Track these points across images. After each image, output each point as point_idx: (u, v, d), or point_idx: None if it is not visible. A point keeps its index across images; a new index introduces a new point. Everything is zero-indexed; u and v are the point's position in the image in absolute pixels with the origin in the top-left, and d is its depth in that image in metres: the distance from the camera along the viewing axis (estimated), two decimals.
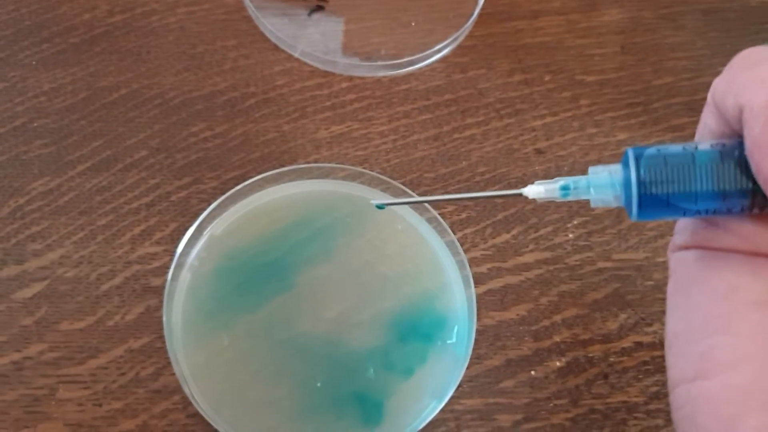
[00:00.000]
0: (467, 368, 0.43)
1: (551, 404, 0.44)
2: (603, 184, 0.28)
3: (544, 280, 0.48)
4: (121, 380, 0.43)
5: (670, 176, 0.25)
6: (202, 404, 0.41)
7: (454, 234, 0.47)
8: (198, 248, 0.46)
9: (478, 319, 0.45)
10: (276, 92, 0.53)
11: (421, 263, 0.47)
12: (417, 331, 0.44)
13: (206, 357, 0.43)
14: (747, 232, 0.26)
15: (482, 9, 0.56)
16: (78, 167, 0.49)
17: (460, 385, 0.42)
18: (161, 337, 0.43)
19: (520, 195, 0.29)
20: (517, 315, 0.47)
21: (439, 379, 0.43)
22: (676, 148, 0.26)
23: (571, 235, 0.49)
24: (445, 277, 0.46)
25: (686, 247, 0.28)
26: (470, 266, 0.46)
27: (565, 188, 0.28)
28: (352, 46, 0.56)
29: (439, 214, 0.47)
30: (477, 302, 0.44)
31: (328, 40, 0.56)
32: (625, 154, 0.26)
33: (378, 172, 0.49)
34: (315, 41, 0.56)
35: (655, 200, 0.26)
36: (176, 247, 0.45)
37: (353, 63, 0.54)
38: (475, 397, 0.44)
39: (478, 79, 0.55)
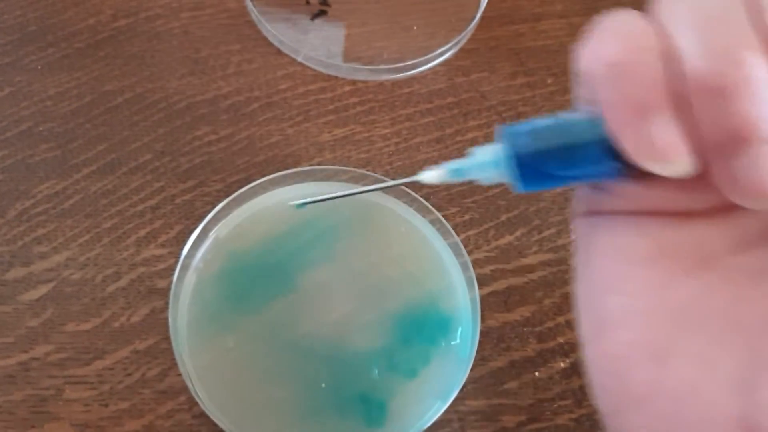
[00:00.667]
0: (471, 370, 0.43)
1: (555, 405, 0.44)
2: (486, 162, 0.28)
3: (547, 282, 0.48)
4: (127, 381, 0.43)
5: (543, 146, 0.26)
6: (207, 405, 0.41)
7: (458, 236, 0.47)
8: (203, 250, 0.46)
9: (482, 320, 0.45)
10: (279, 96, 0.54)
11: (425, 265, 0.47)
12: (421, 332, 0.44)
13: (211, 358, 0.43)
14: (630, 192, 0.26)
15: (484, 12, 0.57)
16: (83, 170, 0.50)
17: (464, 387, 0.42)
18: (167, 339, 0.43)
19: (418, 182, 0.30)
20: (521, 316, 0.47)
21: (443, 380, 0.43)
22: (548, 119, 0.26)
23: (574, 237, 0.49)
24: (448, 279, 0.47)
25: (582, 214, 0.29)
26: (474, 268, 0.46)
27: (454, 170, 0.29)
28: (354, 50, 0.56)
29: (443, 215, 0.48)
30: (481, 304, 0.45)
31: (330, 45, 0.56)
32: (500, 130, 0.27)
33: (381, 175, 0.49)
34: (317, 45, 0.56)
35: (533, 171, 0.26)
36: (181, 249, 0.45)
37: (356, 67, 0.55)
38: (479, 398, 0.44)
39: (481, 82, 0.55)
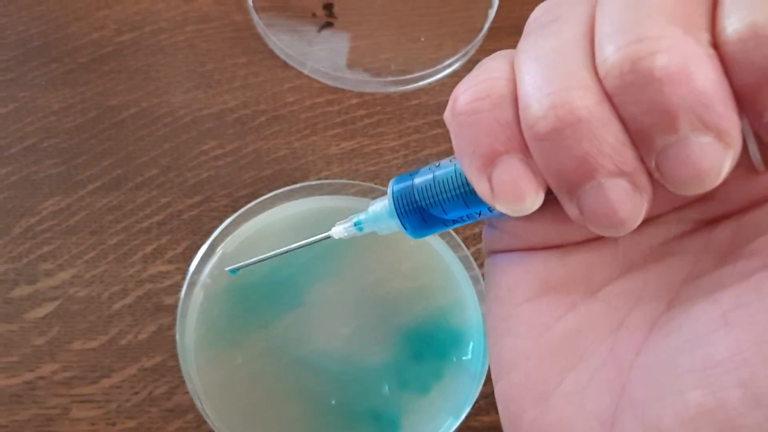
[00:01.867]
0: (484, 385, 0.42)
1: None
2: (380, 215, 0.30)
3: None
4: (135, 399, 0.43)
5: (420, 196, 0.28)
6: (216, 423, 0.40)
7: (468, 249, 0.46)
8: (210, 266, 0.45)
9: None
10: (286, 109, 0.53)
11: (435, 279, 0.47)
12: (432, 347, 0.44)
13: (220, 375, 0.42)
14: (514, 228, 0.27)
15: (492, 23, 0.56)
16: (88, 186, 0.49)
17: (476, 402, 0.42)
18: (174, 356, 0.43)
19: (330, 237, 0.33)
20: None
21: (455, 395, 0.42)
22: (423, 169, 0.28)
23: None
24: (459, 293, 0.46)
25: (487, 254, 0.30)
26: (484, 282, 0.45)
27: (357, 224, 0.32)
28: (361, 62, 0.56)
29: (452, 229, 0.47)
30: None
31: (337, 57, 0.56)
32: (389, 184, 0.29)
33: None
34: (324, 58, 0.55)
35: (416, 219, 0.28)
36: (188, 265, 0.44)
37: (363, 79, 0.54)
38: (492, 413, 0.44)
39: None
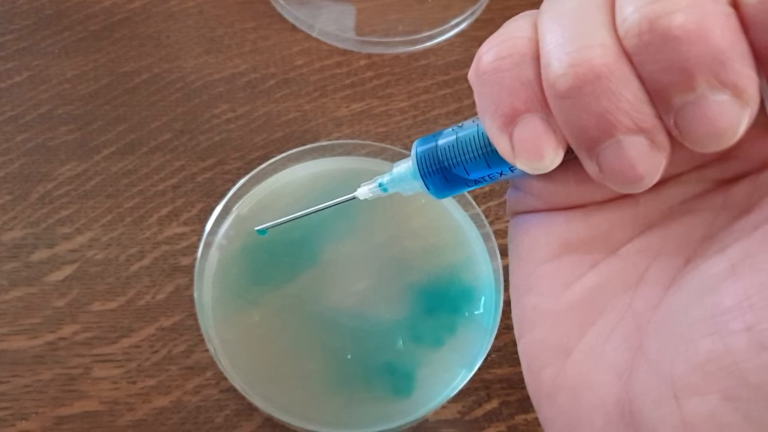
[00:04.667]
0: (496, 338, 0.43)
1: None
2: (404, 175, 0.31)
3: None
4: (154, 358, 0.44)
5: (443, 156, 0.28)
6: (235, 378, 0.41)
7: (479, 207, 0.47)
8: (225, 227, 0.46)
9: (505, 290, 0.45)
10: (296, 72, 0.54)
11: (446, 237, 0.47)
12: (444, 303, 0.44)
13: (238, 333, 0.43)
14: (538, 189, 0.28)
15: None
16: (103, 152, 0.50)
17: (489, 355, 0.43)
18: (192, 315, 0.44)
19: (355, 198, 0.35)
20: None
21: (468, 349, 0.43)
22: (447, 131, 0.29)
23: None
24: (470, 250, 0.47)
25: (510, 215, 0.31)
26: (495, 238, 0.46)
27: (382, 185, 0.33)
28: (369, 24, 0.56)
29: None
30: (503, 274, 0.45)
31: (345, 19, 0.56)
32: (413, 145, 0.30)
33: (400, 148, 0.49)
34: (332, 20, 0.56)
35: (439, 180, 0.29)
36: (203, 226, 0.45)
37: (371, 40, 0.54)
38: (504, 366, 0.44)
39: None
